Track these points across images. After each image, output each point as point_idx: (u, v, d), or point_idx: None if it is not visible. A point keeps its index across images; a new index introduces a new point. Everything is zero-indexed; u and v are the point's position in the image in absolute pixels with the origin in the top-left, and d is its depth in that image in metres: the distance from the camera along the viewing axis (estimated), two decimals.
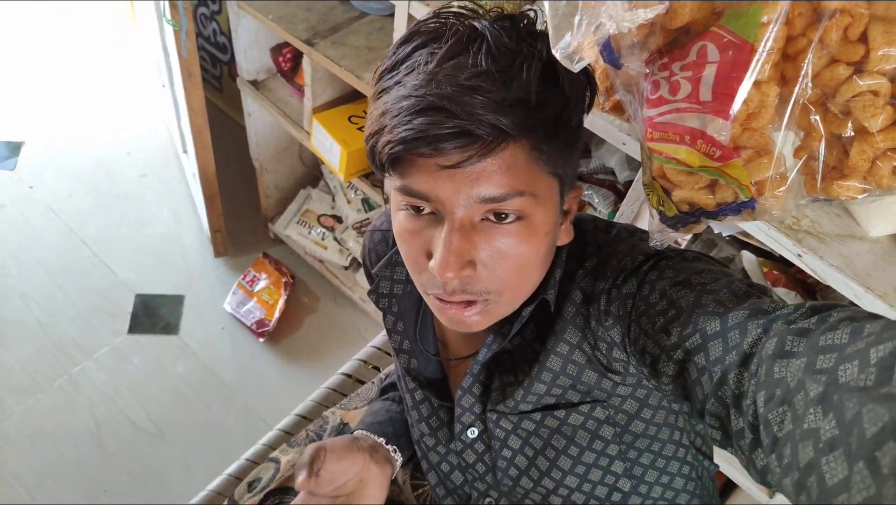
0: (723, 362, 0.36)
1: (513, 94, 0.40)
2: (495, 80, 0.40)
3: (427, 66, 0.41)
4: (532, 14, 0.46)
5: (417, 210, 0.46)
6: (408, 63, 0.43)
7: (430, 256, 0.46)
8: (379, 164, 0.44)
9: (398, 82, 0.43)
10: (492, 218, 0.44)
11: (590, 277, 0.51)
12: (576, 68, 0.34)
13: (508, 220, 0.44)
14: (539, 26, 0.46)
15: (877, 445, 0.24)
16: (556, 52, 0.33)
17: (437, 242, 0.44)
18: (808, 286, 0.87)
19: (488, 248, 0.45)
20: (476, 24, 0.43)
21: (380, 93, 0.44)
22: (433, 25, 0.45)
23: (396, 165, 0.43)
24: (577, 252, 0.54)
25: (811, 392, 0.29)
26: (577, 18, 0.32)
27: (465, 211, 0.43)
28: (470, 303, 0.48)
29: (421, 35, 0.44)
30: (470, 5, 0.46)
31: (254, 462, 0.83)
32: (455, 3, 0.46)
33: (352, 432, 0.72)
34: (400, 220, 0.48)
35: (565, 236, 0.52)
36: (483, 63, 0.40)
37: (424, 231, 0.46)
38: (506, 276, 0.46)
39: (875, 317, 0.31)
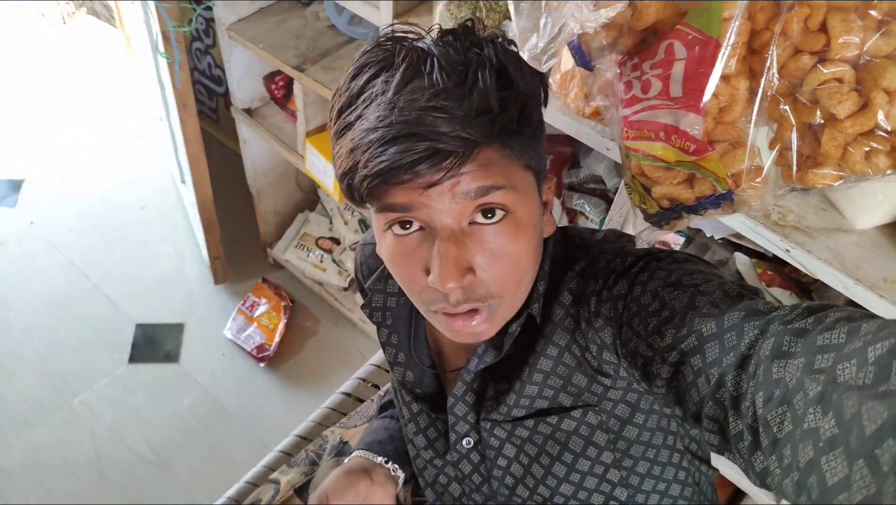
0: (720, 364, 0.36)
1: (475, 105, 0.40)
2: (455, 96, 0.40)
3: (385, 95, 0.42)
4: (469, 23, 0.47)
5: (403, 226, 0.45)
6: (364, 96, 0.43)
7: (427, 271, 0.46)
8: (358, 199, 0.45)
9: (360, 116, 0.43)
10: (479, 220, 0.44)
11: (579, 279, 0.51)
12: (543, 69, 0.35)
13: (496, 218, 0.44)
14: (484, 31, 0.47)
15: (876, 442, 0.24)
16: (524, 54, 0.34)
17: (432, 256, 0.44)
18: (803, 285, 0.87)
19: (482, 251, 0.45)
20: (421, 45, 0.44)
21: (342, 130, 0.45)
22: (380, 54, 0.45)
23: (375, 193, 0.44)
24: (563, 259, 0.54)
25: (810, 392, 0.29)
26: (542, 21, 0.33)
27: (453, 218, 0.44)
28: (475, 312, 0.47)
29: (370, 66, 0.44)
30: (406, 28, 0.47)
31: (254, 484, 0.82)
32: (393, 27, 0.47)
33: (351, 451, 0.72)
34: (388, 244, 0.47)
35: (549, 227, 0.53)
36: (439, 81, 0.41)
37: (416, 250, 0.46)
38: (504, 275, 0.46)
39: (871, 316, 0.31)
